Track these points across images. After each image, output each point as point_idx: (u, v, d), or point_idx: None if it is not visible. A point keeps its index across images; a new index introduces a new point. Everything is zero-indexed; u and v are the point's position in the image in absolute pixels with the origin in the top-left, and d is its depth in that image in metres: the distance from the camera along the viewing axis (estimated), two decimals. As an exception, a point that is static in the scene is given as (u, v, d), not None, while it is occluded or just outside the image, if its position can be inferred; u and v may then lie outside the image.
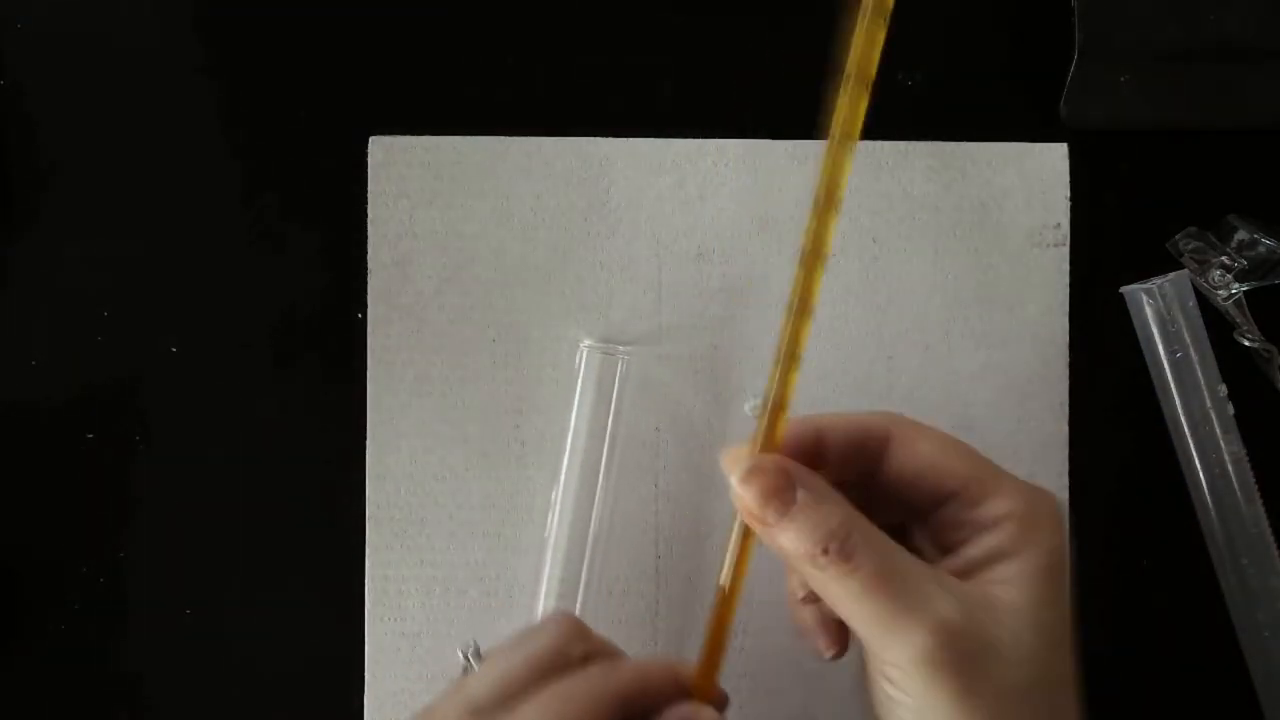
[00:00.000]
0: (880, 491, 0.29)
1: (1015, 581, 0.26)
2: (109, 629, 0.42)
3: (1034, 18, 0.44)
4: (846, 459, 0.29)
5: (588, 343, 0.42)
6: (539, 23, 0.43)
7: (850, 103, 0.28)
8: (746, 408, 0.42)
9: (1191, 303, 0.41)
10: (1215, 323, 0.42)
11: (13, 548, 0.42)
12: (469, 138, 0.43)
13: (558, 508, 0.40)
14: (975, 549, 0.28)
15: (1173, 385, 0.41)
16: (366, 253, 0.42)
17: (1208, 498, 0.41)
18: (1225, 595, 0.41)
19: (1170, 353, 0.41)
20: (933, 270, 0.43)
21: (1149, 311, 0.41)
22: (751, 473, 0.28)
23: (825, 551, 0.26)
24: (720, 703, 0.32)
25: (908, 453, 0.29)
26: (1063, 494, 0.42)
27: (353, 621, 0.41)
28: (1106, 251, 0.43)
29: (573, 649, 0.31)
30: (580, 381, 0.41)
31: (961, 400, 0.42)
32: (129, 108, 0.43)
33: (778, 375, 0.29)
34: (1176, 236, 0.42)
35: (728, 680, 0.41)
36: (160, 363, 0.42)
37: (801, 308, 0.29)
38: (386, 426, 0.42)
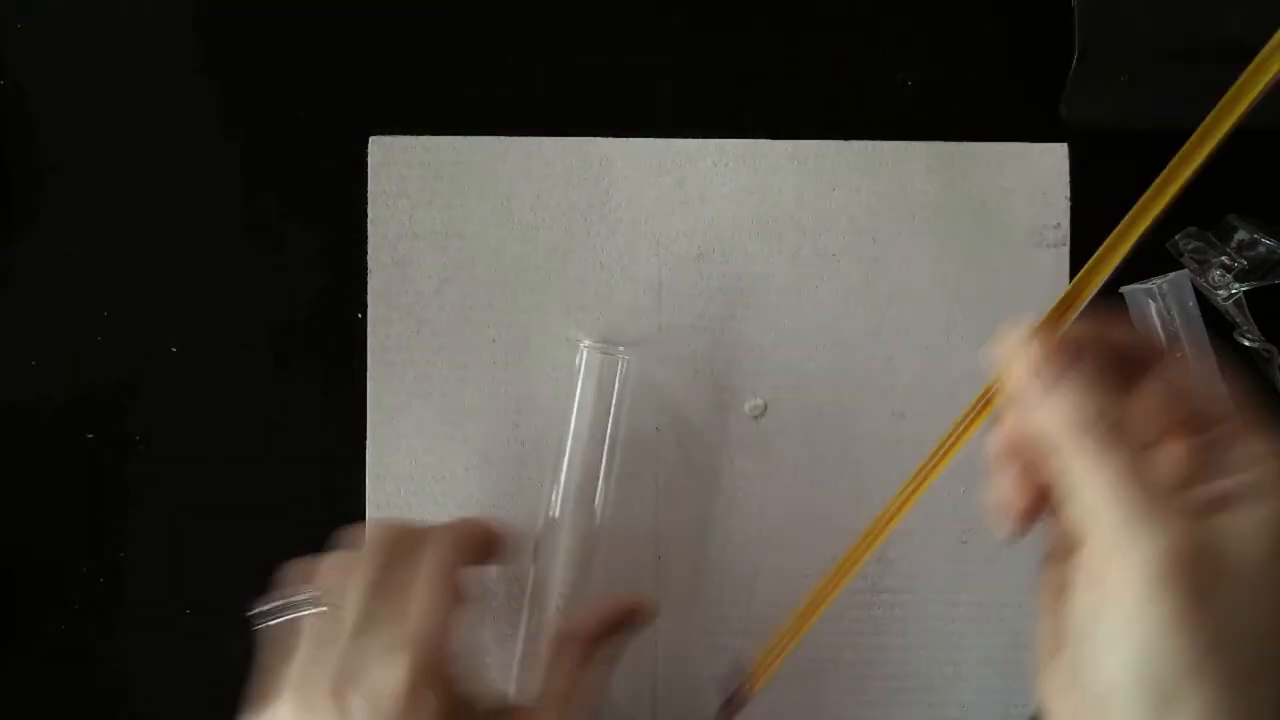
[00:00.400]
0: (1130, 404, 0.29)
1: (1253, 529, 0.25)
2: (109, 629, 0.42)
3: (1034, 18, 0.44)
4: (1106, 366, 0.29)
5: (588, 343, 0.41)
6: (539, 23, 0.43)
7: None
8: (746, 407, 0.42)
9: (1191, 303, 0.41)
10: (1215, 323, 0.42)
11: (13, 548, 0.42)
12: (469, 138, 0.43)
13: (557, 508, 0.40)
14: (1219, 486, 0.27)
15: (1173, 385, 0.41)
16: (366, 253, 0.42)
17: (1208, 498, 0.41)
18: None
19: (1170, 352, 0.41)
20: (933, 270, 0.43)
21: (1149, 311, 0.41)
22: (1036, 334, 0.28)
23: (1091, 429, 0.26)
24: None
25: (1167, 379, 0.29)
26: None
27: (353, 621, 0.41)
28: (1106, 251, 0.43)
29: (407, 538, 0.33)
30: (580, 381, 0.41)
31: (961, 400, 0.42)
32: (129, 108, 0.43)
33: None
34: (1176, 236, 0.42)
35: (727, 681, 0.41)
36: (160, 363, 0.42)
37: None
38: (386, 426, 0.42)
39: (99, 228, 0.43)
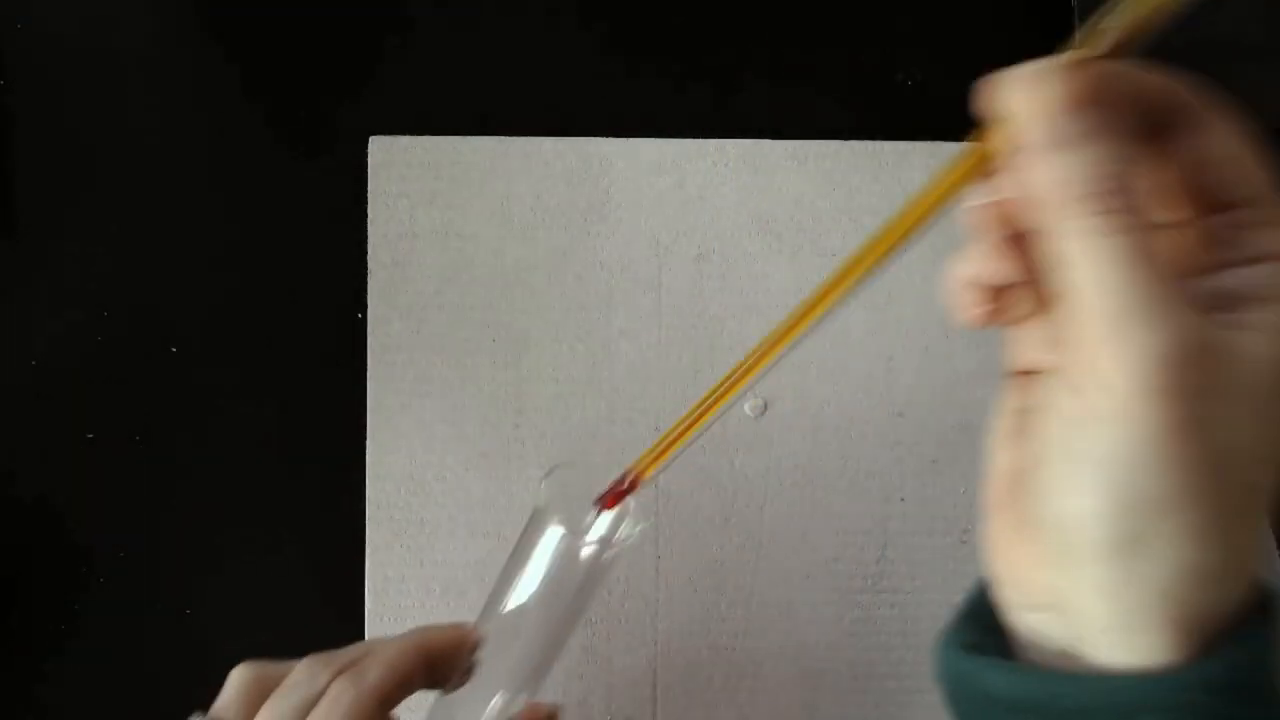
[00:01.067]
0: (1151, 174, 0.24)
1: (1264, 331, 0.21)
2: (109, 629, 0.42)
3: (1034, 17, 0.44)
4: (1129, 126, 0.23)
5: (595, 539, 0.31)
6: (539, 23, 0.44)
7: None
8: (746, 407, 0.42)
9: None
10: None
11: (13, 547, 0.42)
12: (469, 138, 0.43)
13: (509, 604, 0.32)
14: (1235, 278, 0.22)
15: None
16: (366, 253, 0.42)
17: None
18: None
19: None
20: (933, 270, 0.43)
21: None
22: (1058, 73, 0.22)
23: (1101, 196, 0.21)
24: None
25: (1197, 141, 0.24)
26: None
27: (353, 621, 0.41)
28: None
29: (316, 682, 0.29)
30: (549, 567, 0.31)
31: (961, 400, 0.42)
32: (129, 108, 0.43)
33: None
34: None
35: (727, 681, 0.41)
36: (160, 363, 0.42)
37: None
38: (386, 426, 0.42)
39: (99, 228, 0.43)
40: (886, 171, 0.43)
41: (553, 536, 0.30)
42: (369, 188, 0.43)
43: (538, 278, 0.43)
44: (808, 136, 0.43)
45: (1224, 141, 0.24)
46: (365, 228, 0.42)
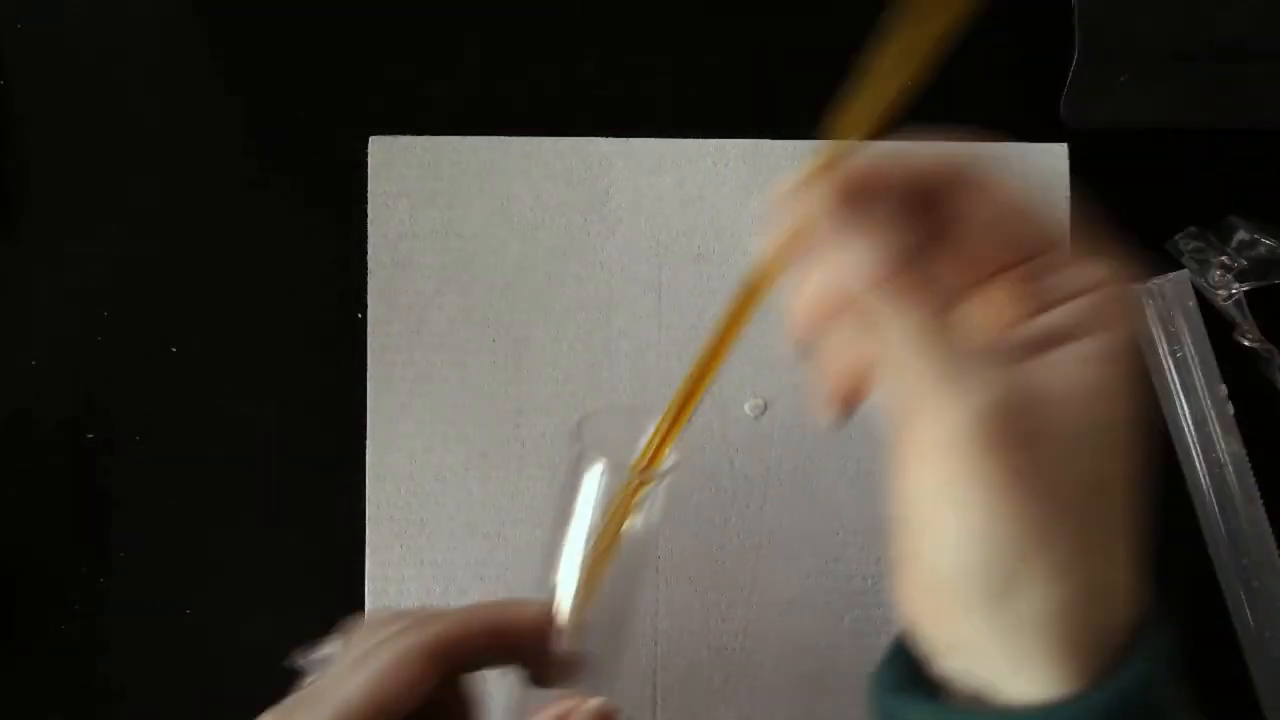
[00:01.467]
0: (938, 246, 0.25)
1: (1072, 365, 0.22)
2: (109, 629, 0.42)
3: (1034, 18, 0.44)
4: (904, 207, 0.24)
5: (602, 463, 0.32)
6: (538, 23, 0.44)
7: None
8: (746, 407, 0.42)
9: (1191, 303, 0.41)
10: (1215, 323, 0.42)
11: (12, 548, 0.42)
12: (469, 138, 0.43)
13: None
14: (1041, 323, 0.23)
15: (1173, 385, 0.41)
16: (366, 253, 0.42)
17: (1208, 498, 0.41)
18: (1225, 595, 0.41)
19: (1170, 353, 0.41)
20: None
21: (1149, 312, 0.42)
22: (826, 170, 0.24)
23: (891, 279, 0.22)
24: None
25: (977, 203, 0.25)
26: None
27: (353, 621, 0.41)
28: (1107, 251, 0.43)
29: (386, 630, 0.29)
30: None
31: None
32: (129, 108, 0.43)
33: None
34: (1176, 236, 0.42)
35: (727, 682, 0.41)
36: (160, 363, 0.42)
37: None
38: (386, 426, 0.42)
39: (99, 228, 0.43)
40: (886, 171, 0.43)
41: (593, 477, 0.31)
42: (369, 188, 0.43)
43: (538, 278, 0.43)
44: (807, 137, 0.43)
45: (1001, 199, 0.25)
46: (365, 228, 0.42)
